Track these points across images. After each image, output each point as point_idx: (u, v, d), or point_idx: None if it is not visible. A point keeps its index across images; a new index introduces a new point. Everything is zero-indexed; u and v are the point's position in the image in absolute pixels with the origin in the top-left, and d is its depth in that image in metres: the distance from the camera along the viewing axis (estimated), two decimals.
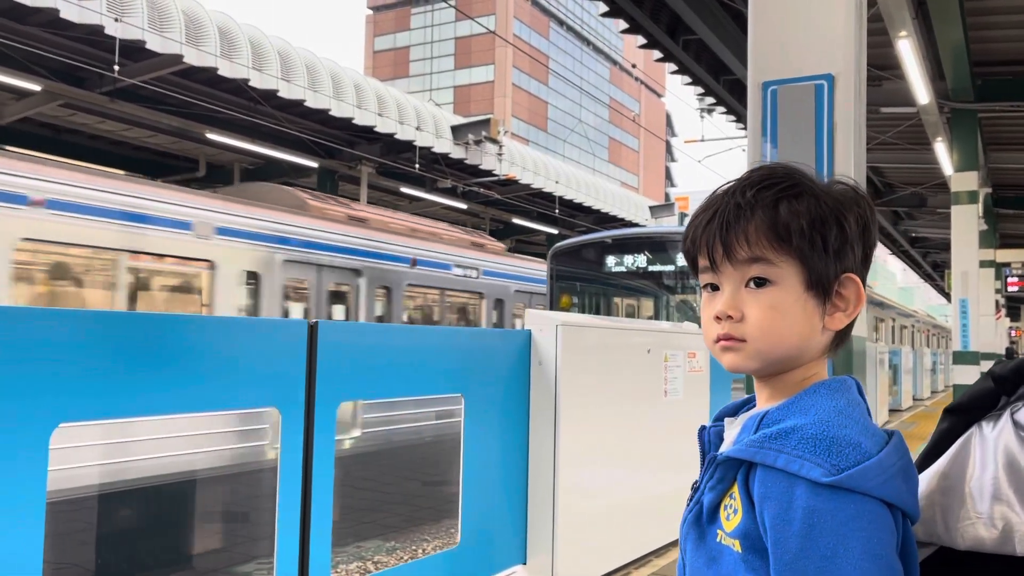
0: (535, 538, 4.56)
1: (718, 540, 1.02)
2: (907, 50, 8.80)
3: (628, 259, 11.81)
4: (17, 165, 7.68)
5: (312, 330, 3.37)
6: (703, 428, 1.20)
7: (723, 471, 1.01)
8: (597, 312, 12.91)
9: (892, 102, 11.80)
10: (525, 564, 4.57)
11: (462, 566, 4.24)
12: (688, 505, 1.09)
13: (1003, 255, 19.53)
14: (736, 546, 0.98)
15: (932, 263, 34.57)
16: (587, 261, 12.37)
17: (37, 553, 2.45)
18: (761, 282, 1.04)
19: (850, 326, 1.09)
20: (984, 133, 13.78)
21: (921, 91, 9.97)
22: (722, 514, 1.02)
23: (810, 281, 1.04)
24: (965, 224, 13.78)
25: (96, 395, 2.67)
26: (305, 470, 3.34)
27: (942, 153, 13.13)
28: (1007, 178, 17.98)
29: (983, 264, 16.39)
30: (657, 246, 11.74)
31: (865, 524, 0.89)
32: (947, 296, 21.73)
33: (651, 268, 11.74)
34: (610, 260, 11.99)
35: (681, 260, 11.44)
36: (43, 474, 2.47)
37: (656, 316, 12.29)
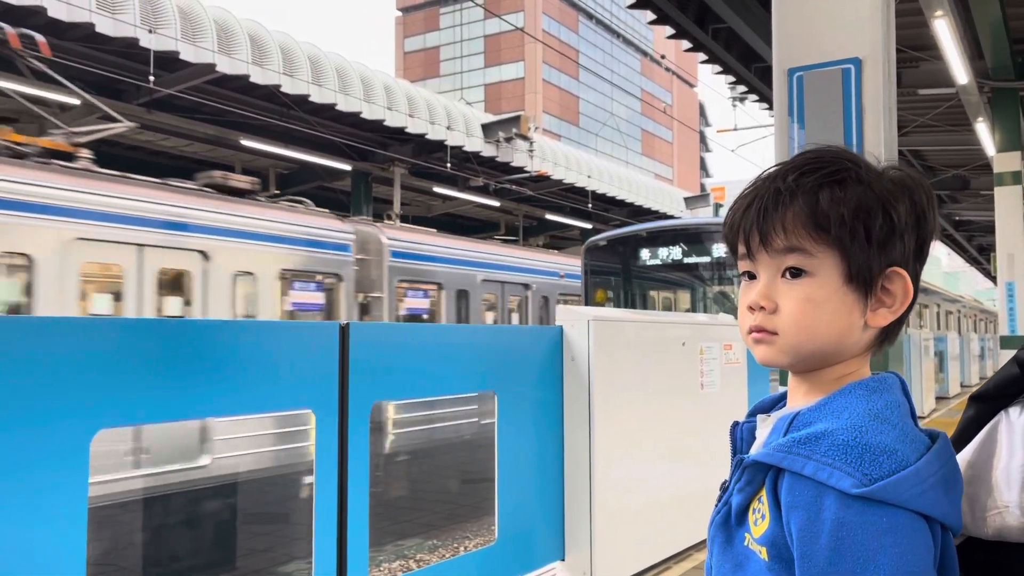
0: (573, 534, 4.56)
1: (745, 544, 0.98)
2: (943, 29, 8.62)
3: (663, 252, 11.70)
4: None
5: (344, 331, 3.40)
6: (735, 424, 1.14)
7: (751, 474, 0.96)
8: (633, 306, 12.70)
9: (930, 83, 11.59)
10: (564, 560, 4.58)
11: (500, 563, 4.26)
12: (716, 505, 1.04)
13: None
14: (763, 553, 0.94)
15: (978, 246, 33.90)
16: (622, 255, 12.28)
17: (81, 553, 2.49)
18: (797, 273, 0.98)
19: (898, 323, 1.02)
20: None
21: (960, 71, 9.77)
22: (751, 518, 0.98)
23: (850, 274, 0.97)
24: (1009, 205, 13.46)
25: (135, 400, 2.71)
26: (340, 469, 3.37)
27: (984, 134, 12.87)
28: None
29: None
30: (693, 238, 11.62)
31: (898, 539, 0.83)
32: (993, 280, 21.26)
33: (687, 260, 11.61)
34: (645, 253, 11.87)
35: (718, 252, 11.03)
36: (84, 477, 2.51)
37: (693, 309, 12.14)
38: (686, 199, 29.92)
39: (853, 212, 0.96)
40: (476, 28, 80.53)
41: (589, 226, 24.92)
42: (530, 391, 4.46)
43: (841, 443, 0.87)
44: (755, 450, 1.03)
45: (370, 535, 3.55)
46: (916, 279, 1.02)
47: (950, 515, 0.89)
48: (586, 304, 12.04)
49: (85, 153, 9.66)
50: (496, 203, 22.42)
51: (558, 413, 4.59)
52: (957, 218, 26.12)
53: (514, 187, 20.95)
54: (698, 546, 5.47)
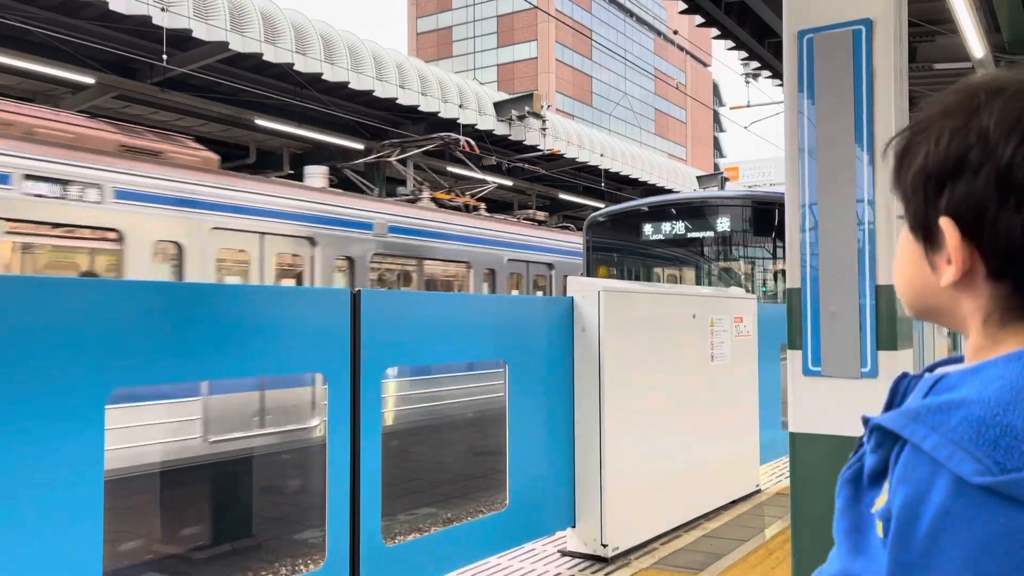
0: (583, 502, 4.59)
1: (872, 510, 0.82)
2: (959, 2, 8.52)
3: (666, 226, 11.43)
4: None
5: (355, 298, 3.42)
6: (903, 376, 0.96)
7: (879, 437, 0.79)
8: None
9: (946, 58, 11.46)
10: (575, 527, 4.61)
11: (512, 529, 4.30)
12: (849, 460, 0.88)
13: None
14: (879, 528, 0.80)
15: None
16: (623, 230, 12.09)
17: (98, 505, 2.52)
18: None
19: (1007, 293, 0.82)
20: None
21: (976, 45, 9.66)
22: (886, 485, 0.82)
23: (911, 221, 0.87)
24: None
25: (149, 361, 2.74)
26: (353, 434, 3.40)
27: None
28: None
29: None
30: (695, 211, 11.41)
31: (1013, 546, 0.67)
32: None
33: (689, 235, 11.34)
34: (647, 228, 11.60)
35: (721, 225, 10.84)
36: (100, 436, 2.54)
37: (697, 284, 11.90)
38: (698, 178, 29.76)
39: (904, 143, 0.87)
40: (489, 8, 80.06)
41: (603, 205, 24.84)
42: (541, 361, 4.47)
43: (977, 418, 0.72)
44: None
45: (384, 507, 3.58)
46: (990, 230, 0.79)
47: None
48: (586, 273, 12.00)
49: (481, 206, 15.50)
50: (509, 182, 22.36)
51: (568, 383, 4.61)
52: None
53: (527, 166, 20.88)
54: (708, 515, 5.50)
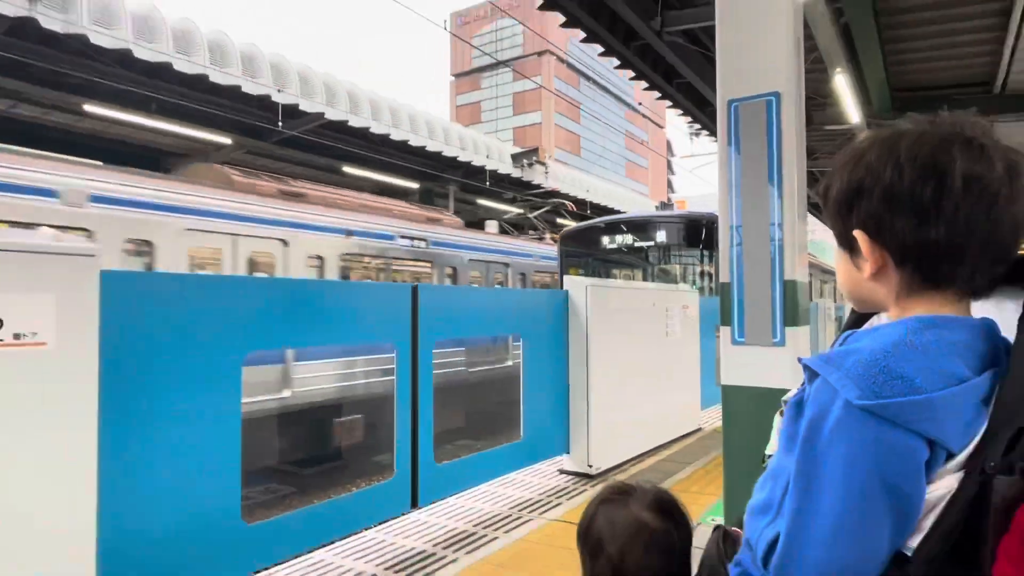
0: (575, 436, 4.59)
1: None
2: (842, 83, 8.46)
3: (618, 238, 11.15)
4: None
5: (414, 291, 3.45)
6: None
7: (807, 373, 0.79)
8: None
9: (832, 121, 11.35)
10: (568, 453, 4.62)
11: (524, 454, 4.31)
12: (796, 391, 0.86)
13: None
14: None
15: None
16: (587, 241, 11.59)
17: (237, 431, 2.54)
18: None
19: (907, 277, 0.79)
20: None
21: (853, 113, 9.59)
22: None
23: (837, 239, 0.86)
24: None
25: (273, 332, 2.77)
26: (413, 386, 3.43)
27: None
28: None
29: None
30: (641, 226, 11.11)
31: (881, 450, 0.69)
32: None
33: (636, 244, 10.98)
34: (604, 239, 11.26)
35: (660, 238, 10.62)
36: (238, 385, 2.55)
37: (644, 281, 11.54)
38: (656, 207, 29.55)
39: (824, 185, 0.86)
40: (506, 88, 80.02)
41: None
42: (545, 335, 4.46)
43: (864, 361, 0.72)
44: None
45: (434, 438, 3.59)
46: (888, 233, 0.78)
47: (952, 440, 0.70)
48: (561, 278, 11.70)
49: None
50: (520, 210, 22.36)
51: (564, 351, 4.60)
52: None
53: (534, 199, 20.86)
54: (664, 446, 5.48)
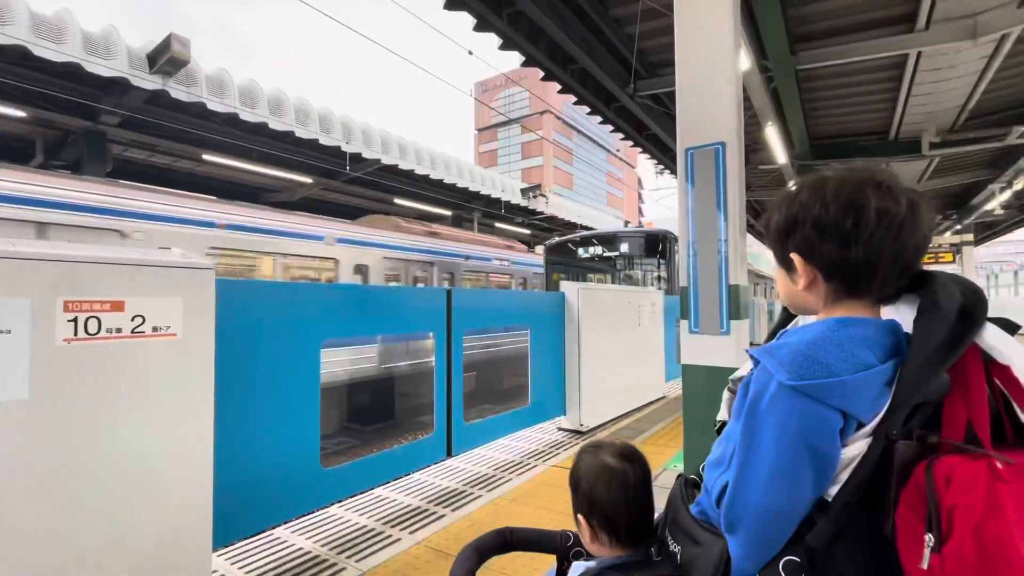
0: (569, 402, 4.56)
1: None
2: (772, 133, 8.36)
3: (592, 249, 10.72)
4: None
5: (449, 293, 3.46)
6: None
7: (753, 362, 0.78)
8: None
9: (765, 162, 11.24)
10: (565, 415, 4.60)
11: (531, 415, 4.28)
12: (749, 373, 0.83)
13: None
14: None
15: None
16: (566, 250, 11.15)
17: (317, 398, 2.54)
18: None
19: (833, 289, 0.79)
20: None
21: (781, 156, 9.47)
22: None
23: (777, 260, 0.87)
24: None
25: (342, 325, 2.79)
26: (447, 365, 3.43)
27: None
28: None
29: None
30: (608, 240, 10.68)
31: (804, 419, 0.68)
32: None
33: (605, 254, 10.54)
34: (581, 250, 10.81)
35: (625, 248, 10.18)
36: (317, 368, 2.55)
37: (612, 283, 10.85)
38: (624, 224, 29.38)
39: (765, 220, 0.87)
40: (516, 139, 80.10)
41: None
42: (546, 325, 4.45)
43: (792, 351, 0.72)
44: None
45: (464, 403, 3.59)
46: (817, 254, 0.78)
47: (863, 411, 0.69)
48: (546, 282, 10.89)
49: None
50: (527, 231, 22.32)
51: (561, 337, 4.58)
52: None
53: (536, 221, 20.80)
54: (638, 409, 5.45)
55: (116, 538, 1.63)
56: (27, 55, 7.40)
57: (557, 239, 11.26)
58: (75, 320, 1.56)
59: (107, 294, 1.63)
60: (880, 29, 5.80)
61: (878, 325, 0.76)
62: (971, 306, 0.69)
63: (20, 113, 8.45)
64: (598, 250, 10.61)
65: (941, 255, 16.48)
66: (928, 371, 0.67)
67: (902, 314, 0.78)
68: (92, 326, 1.60)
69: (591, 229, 25.04)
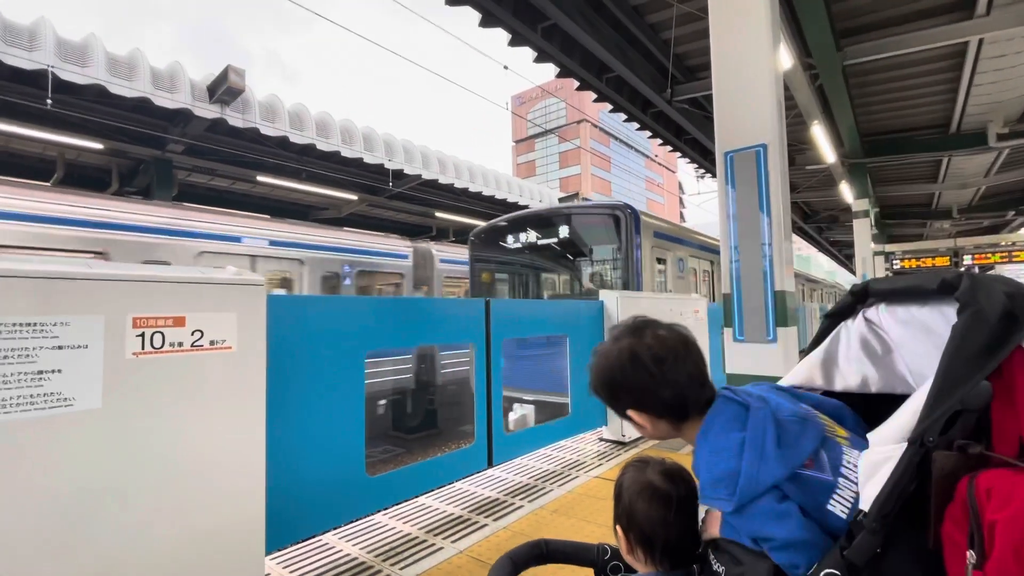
0: (611, 412, 4.47)
1: None
2: (819, 132, 8.00)
3: (525, 236, 7.49)
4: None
5: (487, 303, 3.47)
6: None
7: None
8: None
9: (812, 162, 10.76)
10: (607, 426, 4.51)
11: (572, 425, 4.23)
12: None
13: (889, 247, 17.39)
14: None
15: (846, 255, 31.19)
16: (495, 242, 7.91)
17: (362, 405, 2.61)
18: None
19: (671, 420, 0.93)
20: (871, 175, 12.30)
21: (830, 155, 9.04)
22: None
23: (619, 413, 0.99)
24: (862, 230, 12.39)
25: (385, 336, 2.84)
26: (487, 376, 3.44)
27: (845, 190, 11.85)
28: (888, 201, 16.00)
29: (876, 253, 14.74)
30: (542, 222, 7.33)
31: (768, 512, 0.73)
32: (854, 272, 19.59)
33: (541, 242, 7.33)
34: (511, 238, 7.64)
35: (563, 233, 7.02)
36: (361, 377, 2.62)
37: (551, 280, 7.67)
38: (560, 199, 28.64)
39: (599, 391, 1.01)
40: (554, 148, 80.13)
41: None
42: (584, 334, 4.39)
43: (709, 483, 0.81)
44: None
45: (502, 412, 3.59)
46: (653, 403, 0.92)
47: (788, 464, 0.74)
48: (472, 285, 8.24)
49: None
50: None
51: None
52: (832, 239, 24.07)
53: None
54: None
55: (175, 538, 1.72)
56: (104, 92, 8.08)
57: (484, 225, 8.15)
58: (142, 335, 1.68)
59: (170, 310, 1.74)
60: (936, 17, 5.47)
61: (716, 406, 0.89)
62: (1018, 308, 0.66)
63: (98, 145, 9.21)
64: (532, 237, 7.38)
65: (1015, 253, 15.21)
66: (966, 376, 0.63)
67: (934, 319, 0.80)
68: (157, 340, 1.70)
69: None
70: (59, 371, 1.53)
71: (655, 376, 0.90)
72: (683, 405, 0.91)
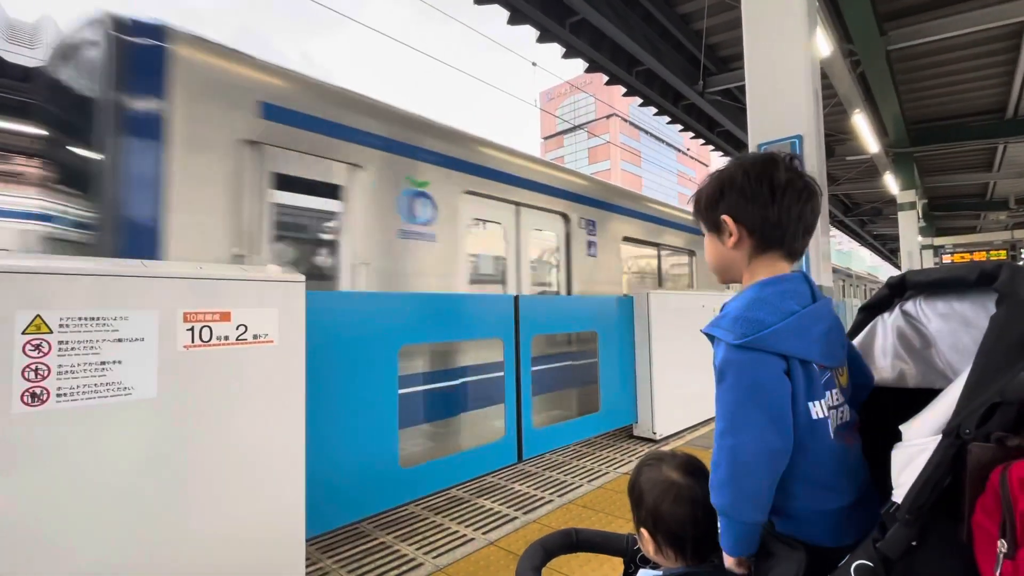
0: (641, 408, 4.45)
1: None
2: (860, 121, 7.67)
3: None
4: None
5: (516, 299, 3.50)
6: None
7: (708, 336, 0.92)
8: None
9: (854, 152, 10.33)
10: (636, 423, 4.49)
11: (602, 422, 4.23)
12: None
13: (938, 240, 16.52)
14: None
15: (890, 249, 29.75)
16: None
17: (395, 398, 2.67)
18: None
19: (755, 243, 0.92)
20: (918, 165, 11.71)
21: (873, 145, 8.65)
22: None
23: (707, 226, 0.98)
24: (908, 223, 11.82)
25: (418, 331, 2.90)
26: (516, 369, 3.46)
27: (890, 181, 11.33)
28: (937, 192, 15.20)
29: (924, 247, 14.04)
30: None
31: (756, 366, 0.81)
32: (899, 268, 18.70)
33: None
34: None
35: None
36: (395, 371, 2.68)
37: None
38: None
39: (696, 195, 0.99)
40: (583, 144, 79.37)
41: None
42: (615, 330, 4.38)
43: (732, 317, 0.86)
44: None
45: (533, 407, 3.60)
46: (743, 215, 0.91)
47: (801, 351, 0.82)
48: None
49: None
50: None
51: (631, 342, 4.48)
52: (875, 232, 23.03)
53: None
54: (710, 419, 5.19)
55: (220, 522, 1.81)
56: None
57: None
58: (192, 329, 1.78)
59: (217, 306, 1.83)
60: None
61: (794, 279, 0.90)
62: None
63: None
64: None
65: None
66: (1005, 367, 0.63)
67: (975, 311, 0.82)
68: (205, 334, 1.80)
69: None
70: (119, 362, 1.64)
71: (775, 194, 0.89)
72: (779, 237, 0.91)
